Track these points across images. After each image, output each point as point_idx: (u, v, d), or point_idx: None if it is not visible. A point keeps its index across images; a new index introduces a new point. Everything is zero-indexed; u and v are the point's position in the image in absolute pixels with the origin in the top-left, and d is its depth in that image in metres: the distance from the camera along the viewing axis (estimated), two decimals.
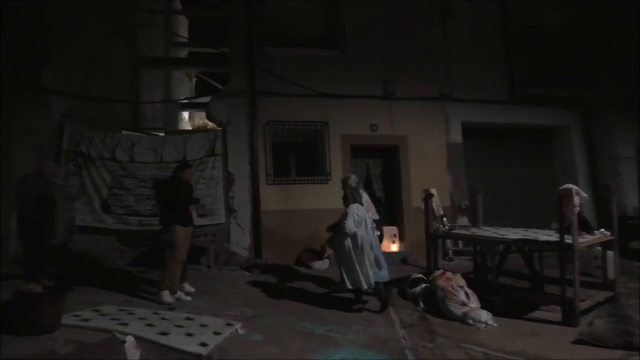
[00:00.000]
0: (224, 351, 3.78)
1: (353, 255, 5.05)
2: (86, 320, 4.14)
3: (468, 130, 9.07)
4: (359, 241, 5.06)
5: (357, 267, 5.04)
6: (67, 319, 3.94)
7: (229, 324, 4.38)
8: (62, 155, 7.02)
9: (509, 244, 5.38)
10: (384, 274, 5.25)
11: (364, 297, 5.27)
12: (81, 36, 7.84)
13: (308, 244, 7.77)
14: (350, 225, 5.04)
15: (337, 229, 5.19)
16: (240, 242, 7.74)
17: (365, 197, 5.80)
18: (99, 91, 7.71)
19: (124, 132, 7.61)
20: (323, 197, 7.99)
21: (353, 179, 5.66)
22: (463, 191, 8.77)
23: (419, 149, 8.62)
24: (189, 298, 5.41)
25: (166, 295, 5.17)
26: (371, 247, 5.13)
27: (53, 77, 7.52)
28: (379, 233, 5.66)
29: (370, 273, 5.05)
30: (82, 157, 7.08)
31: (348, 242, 5.09)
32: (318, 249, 7.71)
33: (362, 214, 5.19)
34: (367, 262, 5.04)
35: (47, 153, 7.18)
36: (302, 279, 6.74)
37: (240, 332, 4.27)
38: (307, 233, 7.80)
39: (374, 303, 5.30)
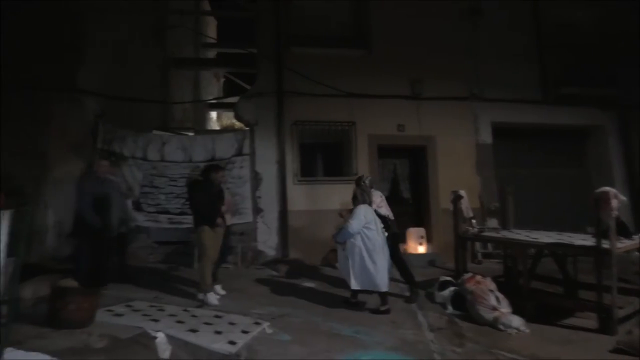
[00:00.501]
0: (252, 350, 3.80)
1: (361, 256, 5.00)
2: (119, 315, 4.25)
3: (498, 131, 8.87)
4: (367, 242, 5.02)
5: (359, 268, 5.00)
6: (100, 314, 4.05)
7: (256, 323, 4.42)
8: (96, 154, 7.22)
9: (542, 247, 5.23)
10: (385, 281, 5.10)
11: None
12: (114, 38, 8.04)
13: (334, 244, 7.73)
14: (354, 225, 5.00)
15: (342, 229, 5.14)
16: (267, 241, 7.80)
17: (378, 195, 5.77)
18: (130, 92, 7.89)
19: (154, 132, 7.79)
20: (349, 197, 7.91)
21: (367, 179, 5.65)
22: (493, 193, 8.58)
23: (448, 150, 8.48)
24: (216, 302, 5.23)
25: (211, 298, 5.13)
26: (378, 250, 5.03)
27: (87, 78, 7.75)
28: (395, 233, 5.60)
29: (380, 275, 4.98)
30: (115, 156, 7.27)
31: (354, 242, 5.05)
32: None
33: (370, 216, 5.14)
34: (374, 264, 4.98)
35: (82, 152, 7.43)
36: (328, 279, 6.73)
37: (268, 331, 4.29)
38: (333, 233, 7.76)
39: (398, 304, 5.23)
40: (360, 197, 5.30)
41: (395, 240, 5.67)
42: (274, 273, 7.06)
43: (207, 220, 5.27)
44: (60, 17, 7.60)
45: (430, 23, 8.64)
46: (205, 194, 5.39)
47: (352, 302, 5.25)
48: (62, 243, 7.12)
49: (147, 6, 8.97)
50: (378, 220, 5.25)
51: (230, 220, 5.88)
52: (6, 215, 3.02)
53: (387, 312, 5.05)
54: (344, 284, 6.39)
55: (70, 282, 3.91)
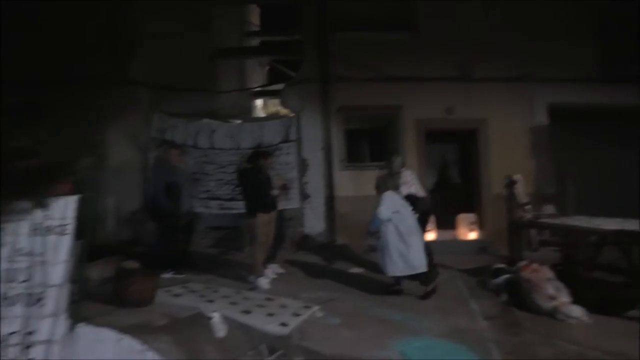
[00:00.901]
0: (303, 332, 3.86)
1: (394, 242, 4.96)
2: (177, 296, 4.44)
3: (555, 112, 8.39)
4: (398, 228, 4.98)
5: (396, 254, 4.95)
6: (160, 294, 4.24)
7: (306, 306, 4.47)
8: (151, 143, 7.50)
9: (605, 235, 4.93)
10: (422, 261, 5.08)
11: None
12: (163, 30, 8.28)
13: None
14: (383, 211, 4.98)
15: (372, 218, 5.09)
16: (315, 226, 7.86)
17: (408, 174, 5.70)
18: (180, 82, 8.13)
19: (204, 120, 7.97)
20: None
21: (396, 159, 5.74)
22: (549, 177, 8.18)
23: (500, 133, 8.15)
24: (267, 286, 5.30)
25: (262, 282, 5.25)
26: (411, 233, 5.00)
27: (139, 70, 8.08)
28: (426, 211, 5.54)
29: (415, 258, 4.95)
30: (168, 145, 7.52)
31: (385, 229, 5.01)
32: None
33: (397, 201, 5.11)
34: (408, 248, 4.94)
35: (137, 141, 7.78)
36: (376, 265, 6.68)
37: (318, 314, 4.34)
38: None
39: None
40: (383, 185, 5.31)
41: (424, 219, 5.58)
42: (322, 258, 7.11)
43: (259, 207, 5.35)
44: (112, 11, 7.93)
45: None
46: (255, 180, 5.47)
47: (394, 289, 5.19)
48: (122, 227, 7.54)
49: None
50: (407, 205, 5.21)
51: (282, 205, 5.96)
52: (72, 201, 3.21)
53: (433, 292, 5.05)
54: None
55: (133, 264, 4.12)
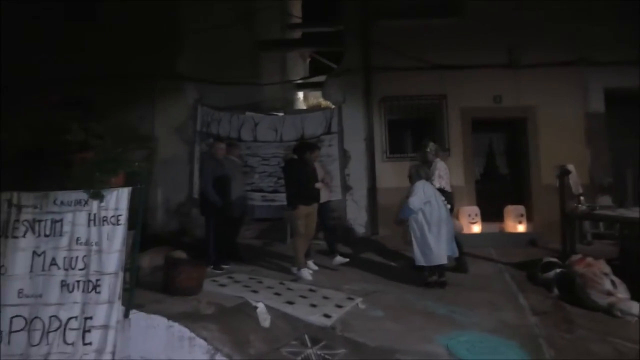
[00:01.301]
0: (346, 324, 3.87)
1: (423, 233, 5.00)
2: (222, 285, 4.57)
3: (612, 98, 7.88)
4: (428, 218, 5.01)
5: (428, 243, 4.98)
6: (206, 284, 4.36)
7: (349, 298, 4.48)
8: (197, 136, 7.71)
9: None
10: (454, 249, 5.26)
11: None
12: (206, 25, 8.45)
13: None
14: (415, 201, 5.01)
15: (404, 206, 5.14)
16: (357, 218, 7.83)
17: (443, 166, 5.76)
18: (224, 75, 8.29)
19: (247, 113, 8.11)
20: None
21: (432, 147, 5.75)
22: (605, 167, 7.72)
23: (551, 121, 7.76)
24: (309, 277, 5.29)
25: (305, 273, 5.27)
26: (440, 224, 5.03)
27: (185, 65, 8.31)
28: (449, 206, 5.45)
29: (442, 249, 5.01)
30: (213, 137, 7.71)
31: (416, 219, 5.05)
32: None
33: (429, 191, 5.13)
34: (437, 238, 4.99)
35: (184, 135, 8.02)
36: None
37: (361, 306, 4.33)
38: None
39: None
40: (416, 175, 5.29)
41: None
42: (365, 250, 7.08)
43: (301, 199, 5.38)
44: (158, 8, 8.20)
45: None
46: (299, 172, 5.47)
47: (435, 281, 5.09)
48: (170, 218, 7.82)
49: None
50: (438, 194, 5.25)
51: (325, 197, 5.94)
52: (125, 192, 3.36)
53: (444, 284, 5.06)
54: None
55: (180, 254, 4.27)
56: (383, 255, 6.69)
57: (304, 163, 5.57)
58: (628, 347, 3.47)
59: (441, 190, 5.44)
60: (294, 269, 5.35)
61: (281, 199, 6.77)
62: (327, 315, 3.95)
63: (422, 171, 5.35)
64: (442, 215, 5.09)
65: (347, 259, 5.80)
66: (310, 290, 4.70)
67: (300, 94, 15.73)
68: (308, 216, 5.44)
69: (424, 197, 5.06)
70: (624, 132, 7.93)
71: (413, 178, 5.30)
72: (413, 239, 5.08)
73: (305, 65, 15.49)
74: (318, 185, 5.60)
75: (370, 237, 7.62)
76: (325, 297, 4.47)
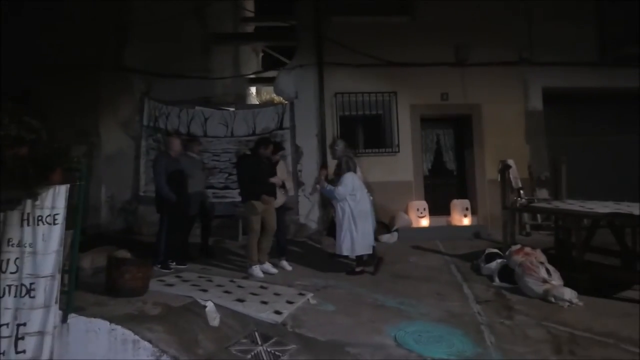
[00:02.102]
0: (298, 320, 3.87)
1: (349, 224, 5.24)
2: (170, 285, 4.44)
3: (550, 97, 8.37)
4: (354, 209, 5.27)
5: (346, 235, 5.24)
6: (153, 284, 4.23)
7: (301, 294, 4.49)
8: (143, 131, 7.44)
9: (598, 218, 4.95)
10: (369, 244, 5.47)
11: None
12: (157, 16, 8.15)
13: (376, 216, 7.72)
14: (341, 191, 5.26)
15: (330, 191, 5.40)
16: (309, 214, 7.85)
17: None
18: (173, 68, 8.04)
19: (197, 107, 7.91)
20: (392, 169, 7.88)
21: (340, 143, 5.85)
22: (543, 162, 8.19)
23: (494, 118, 8.13)
24: (261, 275, 5.21)
25: (256, 270, 5.19)
26: (362, 216, 5.31)
27: (132, 57, 7.97)
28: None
29: (367, 240, 5.31)
30: (161, 132, 7.47)
31: (343, 209, 5.30)
32: (386, 222, 7.65)
33: (357, 184, 5.39)
34: (362, 229, 5.26)
35: (130, 129, 7.71)
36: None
37: (312, 301, 4.35)
38: (374, 206, 7.76)
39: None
40: (346, 166, 5.49)
41: None
42: (317, 246, 7.13)
43: (253, 195, 5.30)
44: None
45: None
46: (253, 167, 5.38)
47: (356, 270, 5.37)
48: (115, 216, 7.51)
49: None
50: (364, 187, 5.54)
51: (281, 201, 5.77)
52: (62, 190, 3.17)
53: (360, 272, 5.34)
54: (386, 256, 6.35)
55: (124, 253, 4.10)
56: (335, 250, 6.74)
57: (258, 158, 5.48)
58: (561, 331, 3.70)
59: None
60: (252, 269, 5.22)
61: (233, 195, 6.69)
62: (278, 312, 3.94)
63: (351, 163, 5.54)
64: (367, 208, 5.38)
65: (291, 268, 5.61)
66: (262, 287, 4.67)
67: (253, 89, 15.53)
68: (266, 212, 5.34)
69: (351, 188, 5.30)
70: (560, 129, 8.44)
71: (342, 169, 5.50)
72: (338, 228, 5.33)
73: (258, 60, 15.29)
74: (274, 179, 5.50)
75: (322, 232, 7.66)
76: (276, 294, 4.45)
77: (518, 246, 5.24)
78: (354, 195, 5.31)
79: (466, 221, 7.78)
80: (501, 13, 8.20)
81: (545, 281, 4.55)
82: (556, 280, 4.58)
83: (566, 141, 8.35)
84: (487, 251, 5.61)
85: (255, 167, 5.40)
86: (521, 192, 6.26)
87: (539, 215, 7.66)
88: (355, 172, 5.50)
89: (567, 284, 4.55)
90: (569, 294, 4.36)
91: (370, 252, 5.46)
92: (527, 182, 7.69)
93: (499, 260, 5.27)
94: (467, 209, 7.82)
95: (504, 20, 8.21)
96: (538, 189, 8.01)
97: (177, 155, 5.58)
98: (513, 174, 6.14)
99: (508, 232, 6.06)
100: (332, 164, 7.75)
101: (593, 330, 3.70)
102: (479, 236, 7.49)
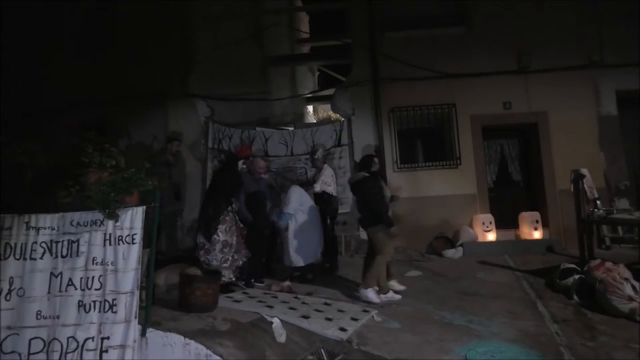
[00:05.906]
0: (363, 337, 3.84)
1: (296, 236, 5.38)
2: (237, 301, 4.56)
3: (625, 100, 7.78)
4: (301, 222, 5.41)
5: (293, 247, 5.36)
6: (221, 300, 4.37)
7: (365, 311, 4.45)
8: (208, 153, 7.79)
9: None
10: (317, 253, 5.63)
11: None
12: (218, 43, 8.62)
13: (439, 231, 7.53)
14: (291, 208, 5.39)
15: (282, 215, 5.46)
16: None
17: (330, 173, 6.23)
18: (234, 92, 8.43)
19: (257, 128, 8.18)
20: (454, 182, 7.68)
21: (320, 154, 6.24)
22: (621, 170, 7.60)
23: (563, 125, 7.68)
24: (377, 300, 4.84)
25: (371, 295, 4.81)
26: (309, 228, 5.44)
27: (197, 82, 8.49)
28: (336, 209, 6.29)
29: (313, 249, 5.48)
30: (225, 154, 7.78)
31: (290, 224, 5.41)
32: (450, 237, 7.42)
33: (303, 197, 5.56)
34: (309, 240, 5.42)
35: (196, 152, 8.13)
36: (434, 267, 6.54)
37: (377, 318, 4.30)
38: (437, 220, 7.59)
39: None
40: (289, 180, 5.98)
41: (334, 216, 6.33)
42: None
43: (389, 221, 5.00)
44: (170, 27, 8.44)
45: None
46: (378, 191, 5.09)
47: (298, 275, 5.63)
48: (184, 235, 7.88)
49: (244, 8, 9.44)
50: (309, 198, 5.69)
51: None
52: (139, 211, 3.41)
53: (312, 279, 5.60)
54: (451, 272, 6.18)
55: (195, 270, 4.28)
56: (398, 266, 6.62)
57: (376, 180, 5.20)
58: None
59: (325, 195, 5.97)
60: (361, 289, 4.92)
61: None
62: (342, 329, 3.93)
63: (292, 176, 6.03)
64: (311, 220, 5.50)
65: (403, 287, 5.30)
66: (325, 304, 4.67)
67: (310, 108, 15.84)
68: None
69: (299, 202, 5.45)
70: (638, 134, 7.81)
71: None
72: (287, 242, 5.43)
73: (314, 79, 15.62)
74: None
75: None
76: (340, 311, 4.44)
77: (598, 261, 4.89)
78: (301, 207, 5.46)
79: (537, 234, 7.37)
80: (565, 16, 7.82)
81: (631, 299, 4.20)
82: None
83: None
84: (562, 266, 5.27)
85: (380, 190, 5.14)
86: (598, 202, 5.84)
87: (619, 228, 7.10)
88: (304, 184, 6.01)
89: None
90: None
91: (319, 258, 5.69)
92: (604, 192, 7.16)
93: (576, 276, 4.94)
94: (537, 221, 7.41)
95: (568, 23, 7.81)
96: (617, 199, 7.43)
97: (259, 176, 5.75)
98: (588, 183, 5.75)
99: (585, 246, 5.66)
100: (398, 179, 7.78)
101: None
102: (553, 250, 7.05)
